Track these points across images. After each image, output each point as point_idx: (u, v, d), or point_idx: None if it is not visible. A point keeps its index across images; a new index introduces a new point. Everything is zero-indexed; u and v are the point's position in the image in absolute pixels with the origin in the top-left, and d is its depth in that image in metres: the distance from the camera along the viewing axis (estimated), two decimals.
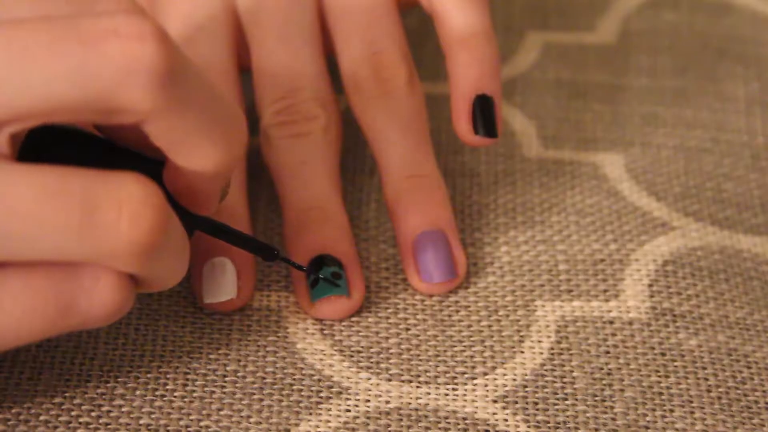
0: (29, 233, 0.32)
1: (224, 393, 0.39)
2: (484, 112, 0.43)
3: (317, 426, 0.38)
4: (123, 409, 0.38)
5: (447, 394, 0.39)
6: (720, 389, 0.40)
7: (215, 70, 0.44)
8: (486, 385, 0.40)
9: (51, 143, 0.35)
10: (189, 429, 0.38)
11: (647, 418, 0.39)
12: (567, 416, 0.39)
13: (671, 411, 0.39)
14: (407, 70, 0.44)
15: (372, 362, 0.40)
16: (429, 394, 0.39)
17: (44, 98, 0.32)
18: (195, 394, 0.39)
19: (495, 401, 0.39)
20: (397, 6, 0.46)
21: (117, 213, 0.32)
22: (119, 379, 0.39)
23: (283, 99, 0.44)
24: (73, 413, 0.38)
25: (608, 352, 0.41)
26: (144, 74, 0.32)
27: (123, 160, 0.35)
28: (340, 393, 0.39)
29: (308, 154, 0.43)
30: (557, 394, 0.40)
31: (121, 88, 0.32)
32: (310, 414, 0.38)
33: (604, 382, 0.40)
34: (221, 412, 0.38)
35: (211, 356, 0.40)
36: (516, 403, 0.39)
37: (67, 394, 0.38)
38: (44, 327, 0.33)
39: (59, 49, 0.31)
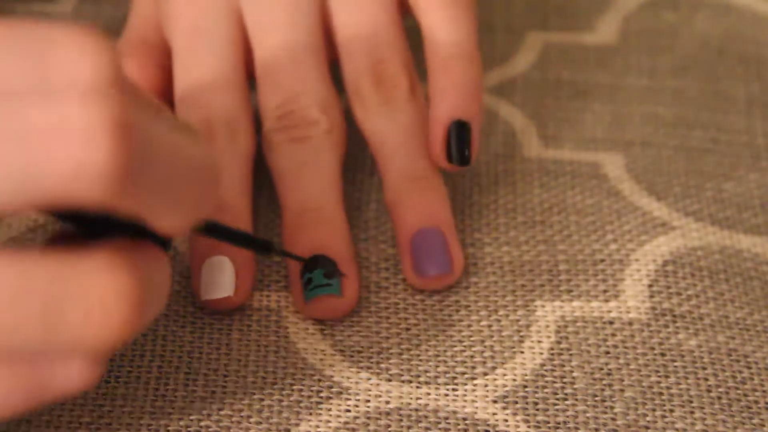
0: None
1: (225, 393, 0.39)
2: (459, 138, 0.43)
3: (317, 426, 0.38)
4: (124, 409, 0.38)
5: (447, 394, 0.39)
6: (720, 389, 0.40)
7: (220, 80, 0.44)
8: (486, 385, 0.40)
9: None
10: (189, 429, 0.38)
11: (647, 418, 0.39)
12: (567, 416, 0.39)
13: (671, 411, 0.39)
14: (408, 80, 0.45)
15: (372, 362, 0.40)
16: (429, 394, 0.39)
17: None
18: (196, 394, 0.39)
19: (495, 401, 0.39)
20: (400, 15, 0.46)
21: (84, 312, 0.30)
22: (120, 379, 0.39)
23: (284, 105, 0.44)
24: (74, 413, 0.38)
25: (608, 352, 0.41)
26: (96, 176, 0.29)
27: None
28: (340, 393, 0.39)
29: (307, 157, 0.44)
30: (557, 394, 0.40)
31: (73, 189, 0.29)
32: (310, 414, 0.39)
33: (604, 382, 0.40)
34: (221, 412, 0.38)
35: (212, 356, 0.40)
36: (516, 403, 0.39)
37: None
38: (22, 406, 0.32)
39: (1, 148, 0.29)
